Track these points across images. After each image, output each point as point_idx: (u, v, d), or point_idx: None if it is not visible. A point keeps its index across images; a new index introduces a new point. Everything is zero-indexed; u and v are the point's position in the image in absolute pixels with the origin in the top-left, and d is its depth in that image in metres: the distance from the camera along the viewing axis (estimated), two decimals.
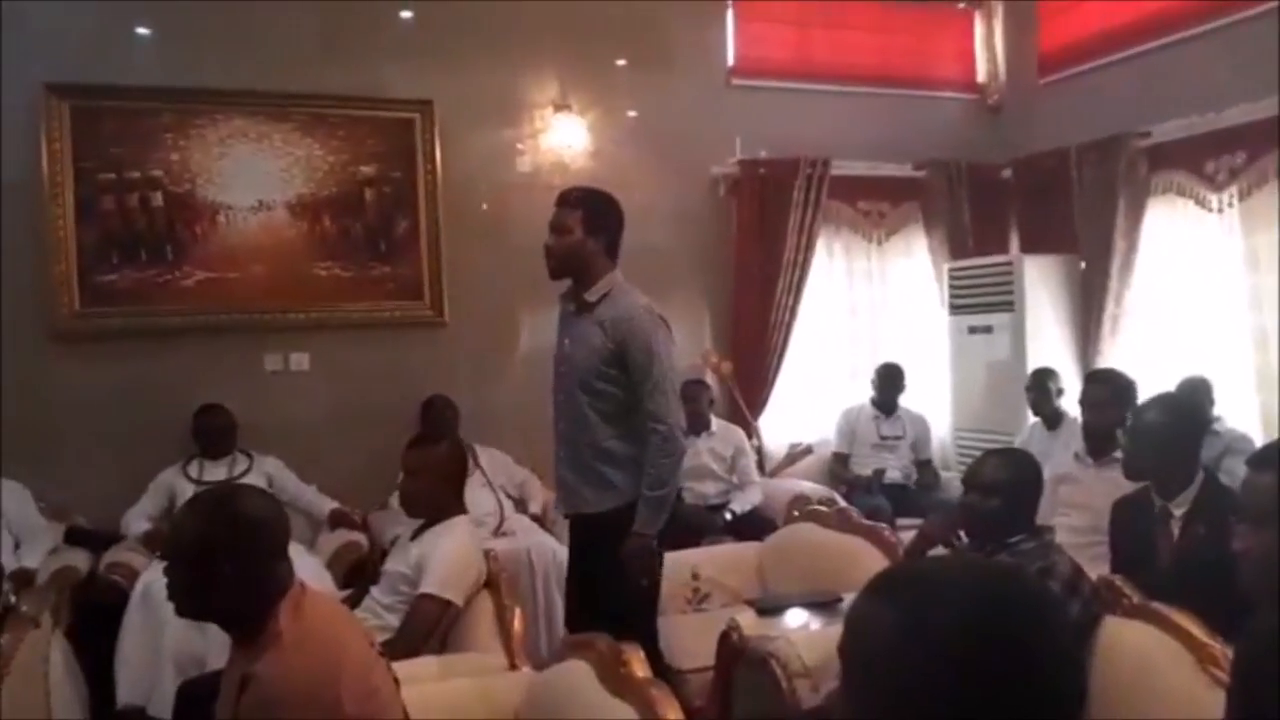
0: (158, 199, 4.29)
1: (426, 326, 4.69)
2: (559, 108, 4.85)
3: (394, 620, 2.65)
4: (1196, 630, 2.00)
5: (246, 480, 3.90)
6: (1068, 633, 0.85)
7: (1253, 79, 4.28)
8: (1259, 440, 4.18)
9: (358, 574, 3.69)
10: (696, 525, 4.19)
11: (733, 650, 2.64)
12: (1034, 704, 0.79)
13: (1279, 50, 4.18)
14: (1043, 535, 2.43)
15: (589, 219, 2.87)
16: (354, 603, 2.81)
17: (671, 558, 3.69)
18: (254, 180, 4.44)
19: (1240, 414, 4.32)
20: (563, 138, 4.85)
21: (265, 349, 4.49)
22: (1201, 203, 4.68)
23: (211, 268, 4.37)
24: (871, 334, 5.64)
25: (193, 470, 4.05)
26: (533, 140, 4.88)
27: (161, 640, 3.24)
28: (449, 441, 2.97)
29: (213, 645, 2.85)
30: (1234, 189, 4.50)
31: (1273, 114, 4.23)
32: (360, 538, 4.01)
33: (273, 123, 4.46)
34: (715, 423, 4.73)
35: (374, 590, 2.81)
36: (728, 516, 4.42)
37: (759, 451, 5.11)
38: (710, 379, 5.08)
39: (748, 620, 2.76)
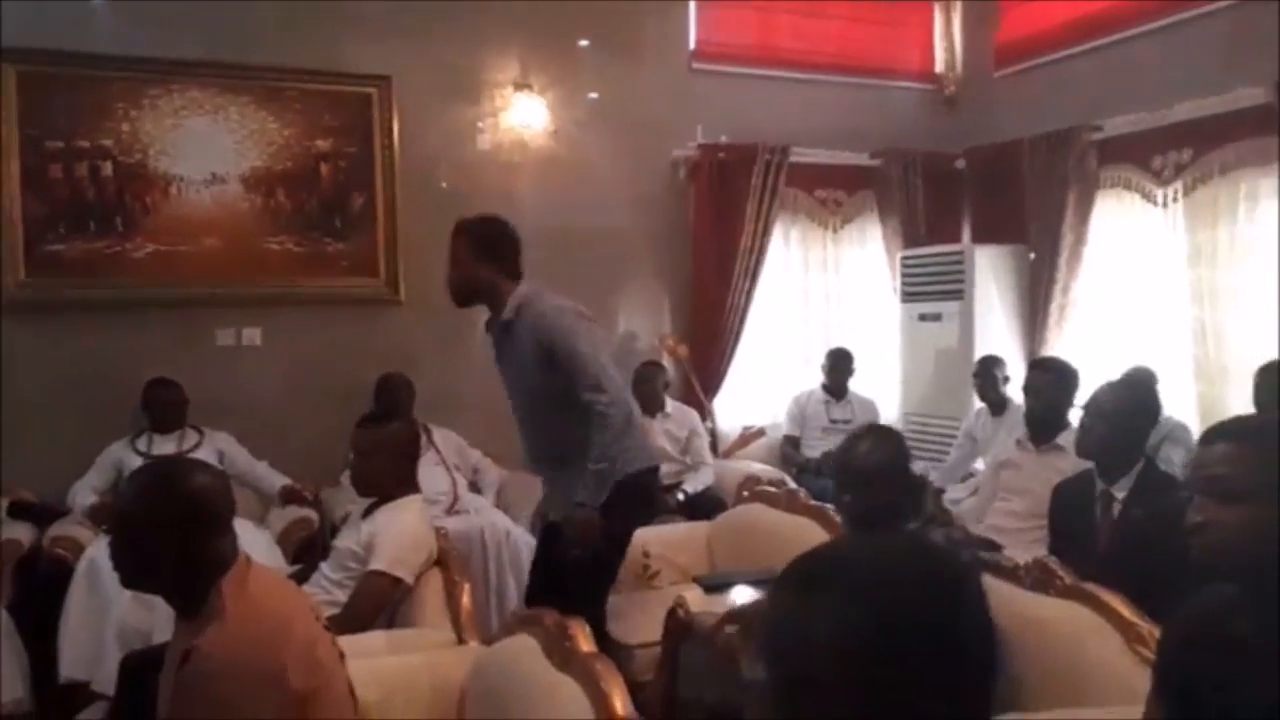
0: (107, 169, 4.21)
1: (381, 304, 4.66)
2: (519, 87, 4.83)
3: (342, 596, 2.66)
4: (1125, 610, 2.06)
5: (197, 455, 3.86)
6: (983, 603, 0.87)
7: (1201, 76, 4.39)
8: (1196, 430, 4.31)
9: (308, 550, 3.68)
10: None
11: (679, 626, 2.68)
12: (957, 676, 0.82)
13: (1226, 49, 4.29)
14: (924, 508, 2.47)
15: (476, 247, 2.99)
16: (302, 578, 2.81)
17: None
18: (207, 152, 4.37)
19: (1179, 404, 4.44)
20: (523, 117, 4.83)
21: (217, 323, 4.44)
22: (1148, 197, 4.79)
23: (163, 240, 4.31)
24: (825, 320, 5.71)
25: (141, 444, 4.00)
26: (492, 119, 4.86)
27: (106, 614, 3.21)
28: (400, 421, 2.96)
29: (158, 619, 2.83)
30: (1179, 184, 4.61)
31: (1219, 111, 4.34)
32: (311, 514, 4.00)
33: (228, 95, 4.40)
34: (670, 404, 4.78)
35: (323, 566, 2.82)
36: (680, 497, 4.46)
37: (712, 433, 5.17)
38: (666, 361, 5.12)
39: (695, 597, 2.80)
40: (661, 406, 4.68)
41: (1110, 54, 4.93)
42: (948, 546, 2.17)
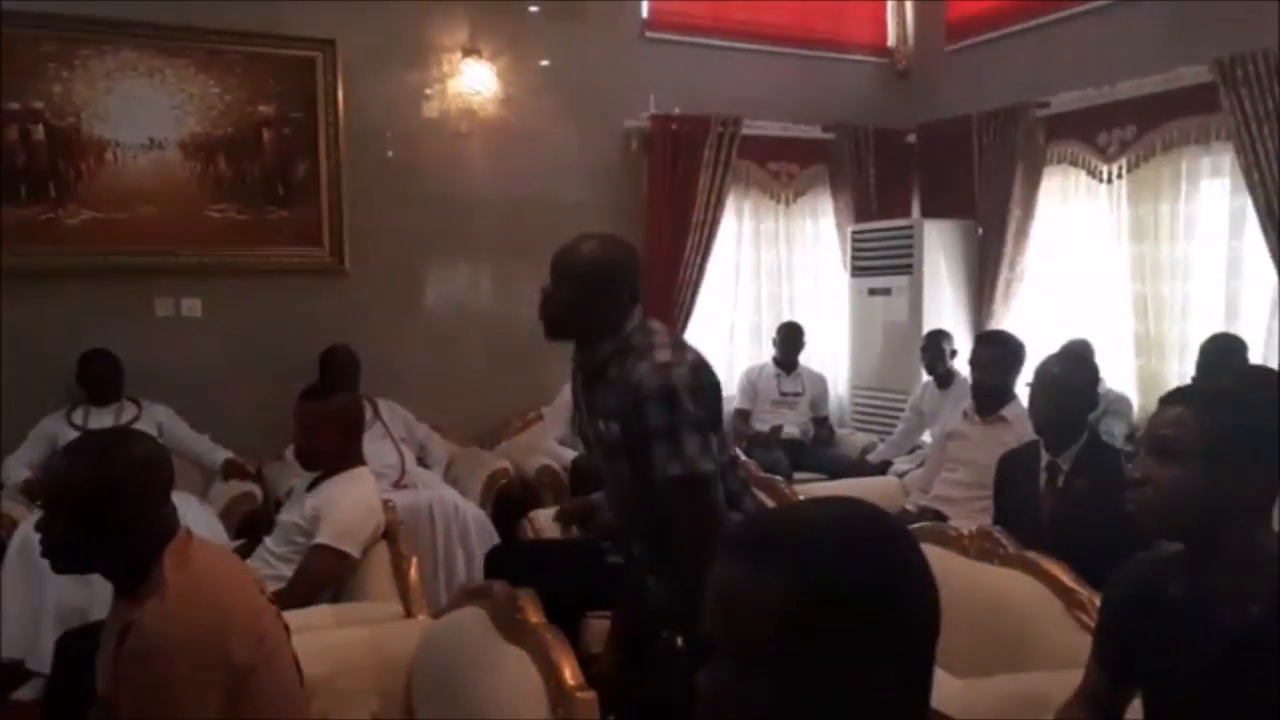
0: (39, 133, 4.07)
1: (326, 274, 4.57)
2: (468, 52, 4.74)
3: (287, 571, 2.61)
4: (1066, 578, 2.11)
5: (135, 428, 3.76)
6: (924, 562, 0.87)
7: (1145, 55, 4.45)
8: (1136, 402, 4.41)
9: (252, 525, 3.63)
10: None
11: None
12: (905, 632, 0.83)
13: (1170, 27, 4.34)
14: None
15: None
16: (246, 553, 2.76)
17: None
18: (144, 117, 4.24)
19: (1119, 377, 4.54)
20: (471, 83, 4.75)
21: (156, 293, 4.33)
22: (1093, 173, 4.86)
23: (98, 207, 4.17)
24: (776, 294, 5.72)
25: (77, 418, 3.90)
26: (440, 85, 4.77)
27: (42, 592, 3.13)
28: (345, 393, 2.90)
29: (96, 597, 2.77)
30: (1124, 161, 4.68)
31: (1162, 89, 4.40)
32: (254, 488, 3.94)
33: (165, 57, 4.25)
34: None
35: (267, 540, 2.76)
36: None
37: None
38: None
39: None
40: None
41: (1058, 31, 4.97)
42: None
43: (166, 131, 4.27)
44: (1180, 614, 1.36)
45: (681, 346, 2.01)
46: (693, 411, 1.89)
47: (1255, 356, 3.93)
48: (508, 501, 4.19)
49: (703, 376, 1.97)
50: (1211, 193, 4.41)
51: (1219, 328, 4.10)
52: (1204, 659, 1.31)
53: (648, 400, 1.88)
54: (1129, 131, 4.64)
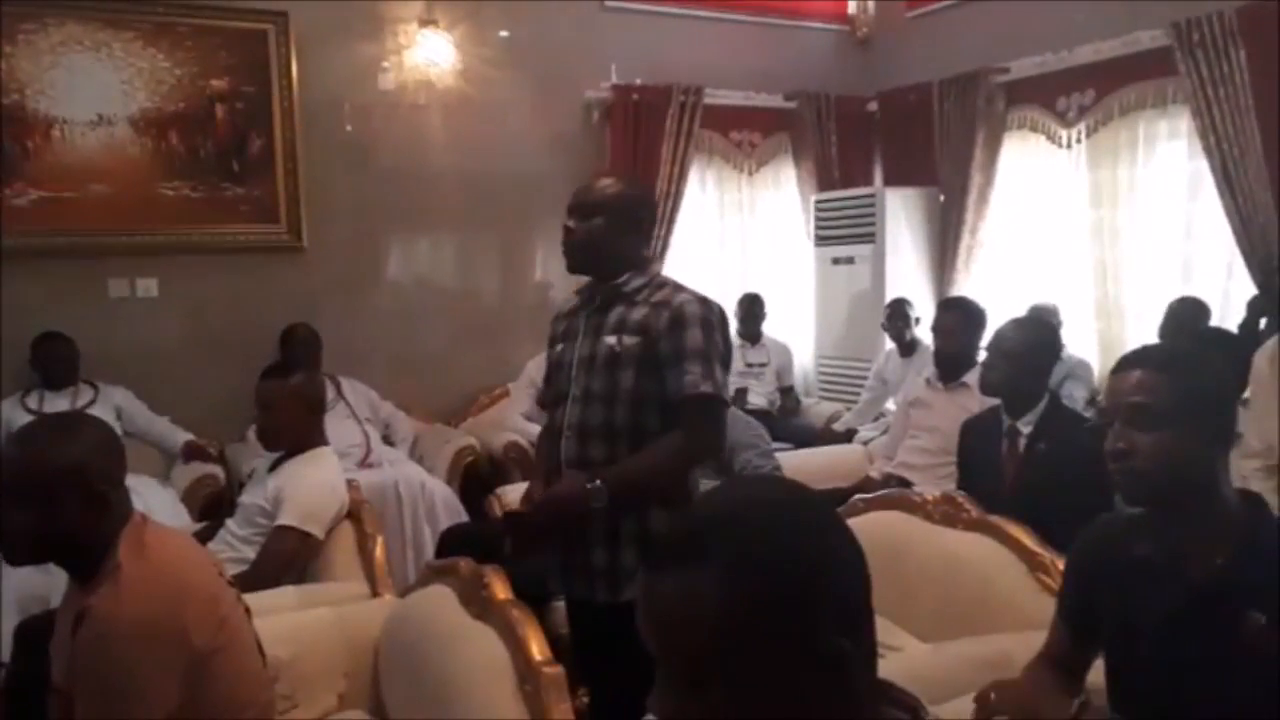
0: None
1: (284, 252, 4.49)
2: (425, 23, 4.65)
3: (250, 553, 2.58)
4: (1029, 541, 2.14)
5: (92, 412, 3.68)
6: (843, 523, 0.87)
7: (1103, 18, 4.45)
8: (1096, 366, 4.46)
9: (214, 507, 3.58)
10: None
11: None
12: (844, 602, 0.82)
13: None
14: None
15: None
16: (209, 536, 2.72)
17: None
18: (92, 93, 4.12)
19: (1080, 341, 4.59)
20: (429, 55, 4.67)
21: (109, 274, 4.24)
22: (1053, 138, 4.88)
23: (47, 186, 4.07)
24: (740, 265, 5.71)
25: (32, 402, 3.83)
26: (397, 57, 4.68)
27: (0, 579, 3.07)
28: (305, 372, 2.86)
29: (56, 583, 2.70)
30: (1082, 126, 4.70)
31: (1119, 53, 4.42)
32: (217, 470, 3.89)
33: (112, 30, 4.14)
34: None
35: (229, 522, 2.73)
36: None
37: None
38: None
39: None
40: None
41: None
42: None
43: (115, 107, 4.16)
44: (1146, 571, 1.38)
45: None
46: (723, 347, 2.04)
47: (1213, 319, 3.98)
48: (475, 479, 4.17)
49: (727, 324, 2.12)
50: (1169, 156, 4.45)
51: (1177, 291, 4.15)
52: (1169, 613, 1.33)
53: (692, 322, 2.00)
54: (1087, 96, 4.66)
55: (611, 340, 2.04)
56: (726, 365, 2.05)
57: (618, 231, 2.08)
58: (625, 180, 2.17)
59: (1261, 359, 2.49)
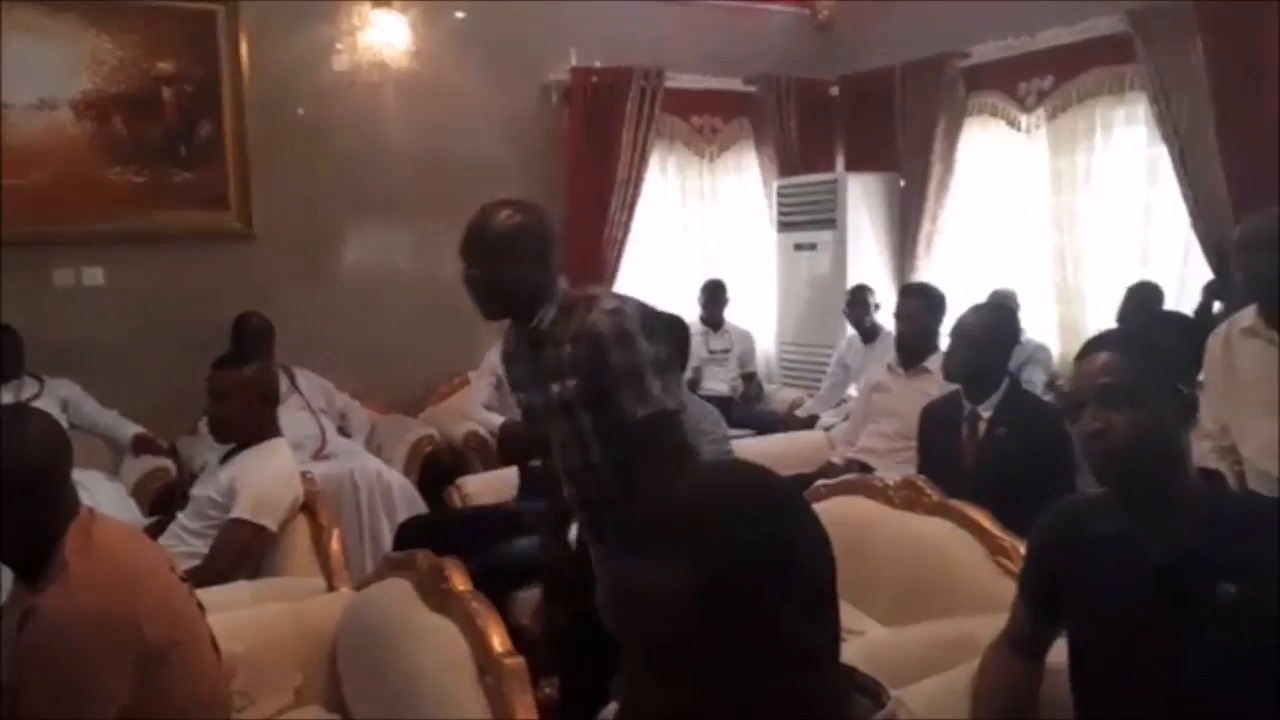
0: None
1: (235, 238, 4.40)
2: (378, 3, 4.57)
3: (202, 547, 2.52)
4: (988, 524, 2.14)
5: (37, 405, 3.59)
6: (807, 505, 0.87)
7: (1062, 4, 4.47)
8: (1056, 350, 4.50)
9: (166, 501, 3.50)
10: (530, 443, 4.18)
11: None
12: (811, 584, 0.82)
13: None
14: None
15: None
16: (159, 530, 2.66)
17: (496, 474, 3.67)
18: (31, 76, 4.00)
19: (1040, 326, 4.63)
20: (383, 36, 4.59)
21: (54, 263, 4.13)
22: (1013, 124, 4.91)
23: None
24: (703, 251, 5.70)
25: None
26: (350, 39, 4.59)
27: None
28: (258, 362, 2.80)
29: (8, 581, 2.64)
30: (1042, 111, 4.74)
31: (1078, 39, 4.45)
32: (168, 463, 3.81)
33: (52, 12, 4.02)
34: None
35: (180, 516, 2.67)
36: None
37: None
38: None
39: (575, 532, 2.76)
40: None
41: None
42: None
43: (56, 90, 4.05)
44: (1111, 550, 1.39)
45: (621, 295, 2.00)
46: (651, 350, 1.89)
47: (1168, 302, 4.04)
48: (435, 469, 4.12)
49: (653, 317, 1.95)
50: (1127, 142, 4.49)
51: (1135, 276, 4.20)
52: (1135, 590, 1.35)
53: (609, 343, 1.86)
54: (1047, 82, 4.69)
55: (556, 388, 1.96)
56: (663, 363, 1.91)
57: (524, 270, 1.93)
58: (519, 208, 1.99)
59: (1215, 342, 2.51)
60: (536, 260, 1.95)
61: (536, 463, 3.00)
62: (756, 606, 0.78)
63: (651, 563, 0.79)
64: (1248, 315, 2.46)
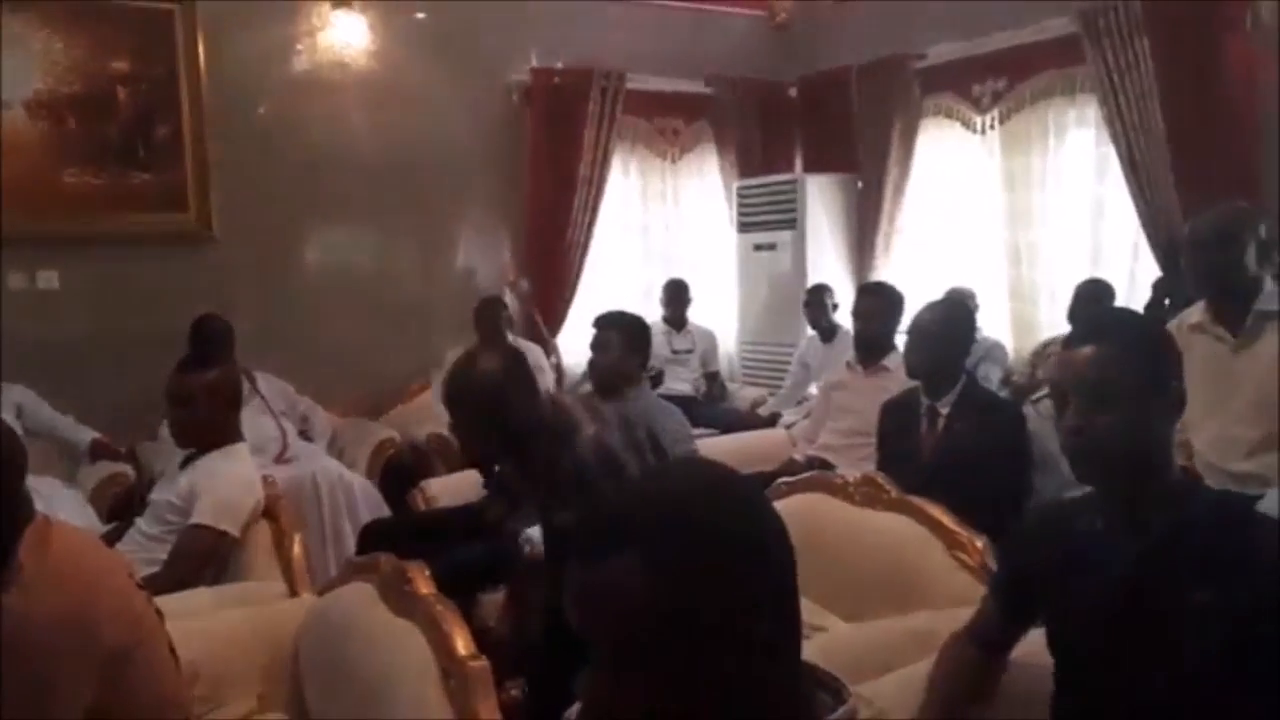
0: None
1: (194, 240, 4.36)
2: (338, 3, 4.54)
3: (161, 553, 2.49)
4: (947, 520, 2.17)
5: None
6: (766, 502, 0.88)
7: (1015, 6, 4.53)
8: (1010, 346, 4.58)
9: (125, 507, 3.45)
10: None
11: (526, 563, 2.65)
12: (768, 581, 0.83)
13: None
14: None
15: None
16: (118, 537, 2.63)
17: (459, 476, 3.65)
18: None
19: (994, 322, 4.70)
20: (343, 36, 4.57)
21: (7, 266, 4.06)
22: (967, 124, 4.98)
23: None
24: (665, 252, 5.72)
25: None
26: (310, 39, 4.56)
27: None
28: (220, 366, 2.77)
29: None
30: (996, 112, 4.81)
31: (1030, 40, 4.52)
32: (126, 469, 3.75)
33: (4, 9, 3.93)
34: (513, 340, 4.68)
35: (139, 521, 2.64)
36: None
37: (557, 369, 5.12)
38: (509, 297, 5.02)
39: (539, 534, 2.77)
40: (504, 343, 4.58)
41: None
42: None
43: (10, 91, 3.98)
44: (1087, 550, 1.38)
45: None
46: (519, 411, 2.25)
47: (1119, 299, 4.12)
48: (399, 472, 4.09)
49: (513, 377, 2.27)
50: (1078, 142, 4.58)
51: (1086, 273, 4.27)
52: (1107, 592, 1.33)
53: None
54: (1000, 83, 4.76)
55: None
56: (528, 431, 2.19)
57: (503, 418, 2.16)
58: (484, 361, 2.20)
59: None
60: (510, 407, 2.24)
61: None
62: (716, 606, 0.78)
63: (610, 562, 0.79)
64: (1196, 311, 2.52)
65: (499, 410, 2.23)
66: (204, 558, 2.49)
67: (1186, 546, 1.29)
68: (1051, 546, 1.44)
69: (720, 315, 5.72)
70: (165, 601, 1.88)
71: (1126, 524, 1.35)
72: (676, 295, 5.23)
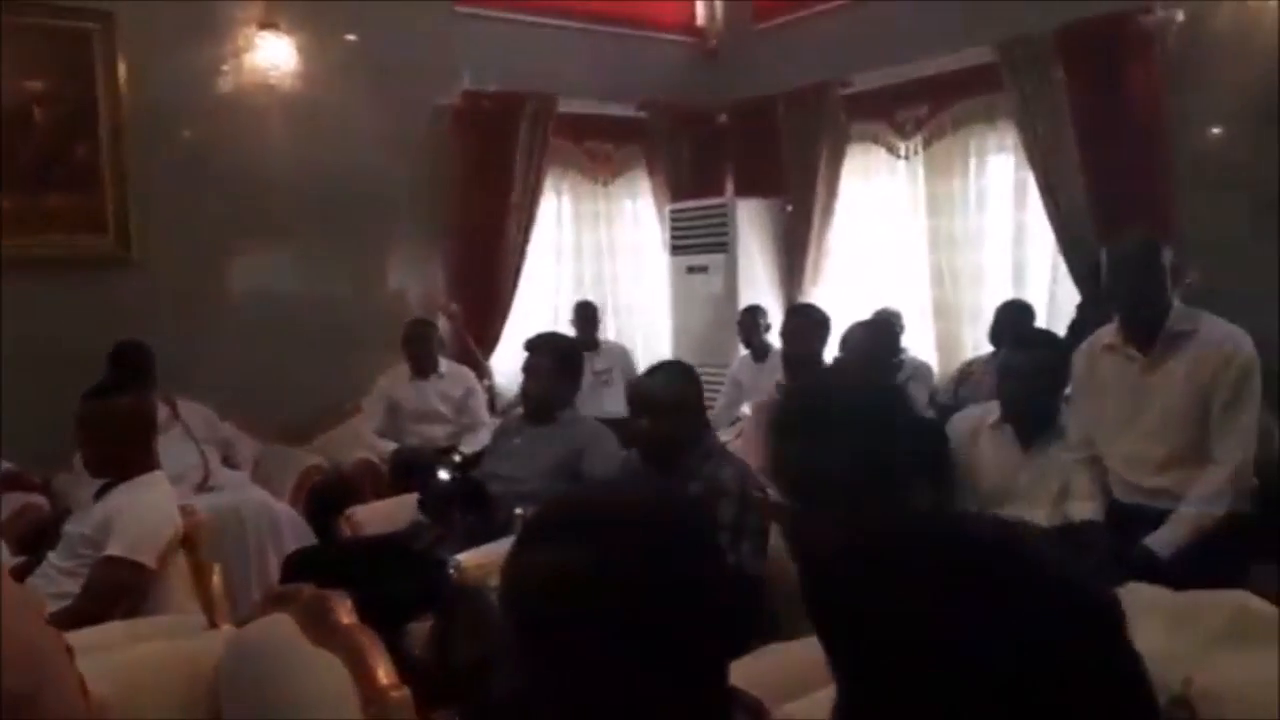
0: None
1: (113, 264, 4.24)
2: (264, 25, 4.48)
3: (73, 587, 2.41)
4: None
5: None
6: (722, 554, 0.89)
7: (938, 34, 4.66)
8: (936, 367, 4.67)
9: (36, 540, 3.32)
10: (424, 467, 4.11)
11: (454, 590, 2.62)
12: (695, 596, 0.83)
13: (961, 7, 4.54)
14: (709, 443, 2.62)
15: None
16: (27, 571, 2.53)
17: (387, 503, 3.60)
18: None
19: (920, 343, 4.80)
20: (269, 58, 4.50)
21: None
22: (892, 150, 5.10)
23: None
24: (599, 274, 5.74)
25: None
26: (235, 60, 4.49)
27: None
28: (131, 392, 2.70)
29: None
30: (919, 138, 4.94)
31: (952, 68, 4.65)
32: (40, 500, 3.62)
33: None
34: (444, 364, 4.64)
35: (51, 555, 2.55)
36: (456, 459, 4.35)
37: (490, 391, 5.08)
38: (440, 321, 4.98)
39: (469, 559, 2.74)
40: (435, 367, 4.54)
41: (861, 9, 5.09)
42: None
43: None
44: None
45: None
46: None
47: (1040, 319, 4.23)
48: (325, 499, 4.01)
49: None
50: (998, 167, 4.72)
51: (1008, 294, 4.39)
52: None
53: None
54: (923, 110, 4.88)
55: None
56: None
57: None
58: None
59: (1079, 358, 2.65)
60: None
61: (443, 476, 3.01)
62: (638, 620, 0.79)
63: (549, 553, 0.81)
64: (1109, 332, 2.61)
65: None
66: (118, 591, 2.41)
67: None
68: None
69: (654, 337, 5.75)
70: (76, 636, 1.82)
71: None
72: (585, 316, 5.21)
